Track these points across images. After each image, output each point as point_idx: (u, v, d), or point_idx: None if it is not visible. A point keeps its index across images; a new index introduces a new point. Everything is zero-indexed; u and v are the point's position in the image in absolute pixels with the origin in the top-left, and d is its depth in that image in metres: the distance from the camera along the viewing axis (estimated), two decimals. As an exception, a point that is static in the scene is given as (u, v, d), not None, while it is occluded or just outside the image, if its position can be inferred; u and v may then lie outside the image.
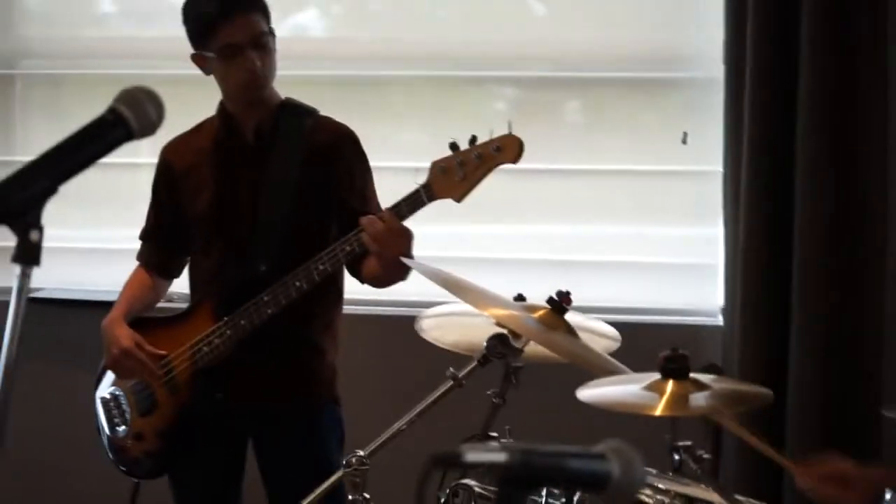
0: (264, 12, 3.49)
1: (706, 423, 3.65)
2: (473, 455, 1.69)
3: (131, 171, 4.59)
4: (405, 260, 3.21)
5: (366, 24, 4.74)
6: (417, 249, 3.48)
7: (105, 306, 3.73)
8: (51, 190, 1.79)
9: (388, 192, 3.38)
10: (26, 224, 1.76)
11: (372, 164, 3.66)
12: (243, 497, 3.75)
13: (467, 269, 4.29)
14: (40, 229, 1.76)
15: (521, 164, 3.19)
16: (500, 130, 3.16)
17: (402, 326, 3.49)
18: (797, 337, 4.04)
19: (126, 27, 4.94)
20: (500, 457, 1.69)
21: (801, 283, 4.03)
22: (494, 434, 3.14)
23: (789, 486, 3.79)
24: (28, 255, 1.76)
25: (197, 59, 3.52)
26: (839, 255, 4.04)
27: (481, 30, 4.60)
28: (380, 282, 3.48)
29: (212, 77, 3.53)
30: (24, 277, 1.77)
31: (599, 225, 4.55)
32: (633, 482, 1.75)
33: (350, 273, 3.56)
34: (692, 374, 2.68)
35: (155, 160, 3.78)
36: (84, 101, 4.63)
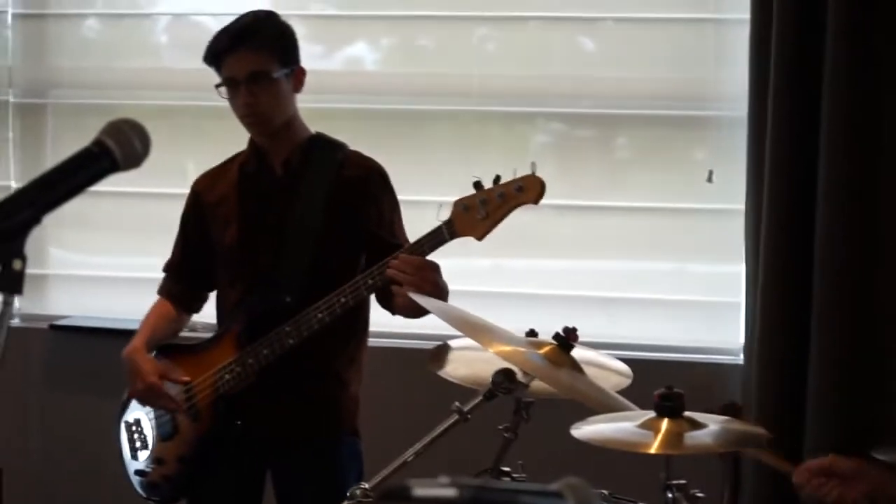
0: (273, 50, 3.53)
1: (722, 459, 3.66)
2: (422, 490, 1.69)
3: (156, 200, 4.66)
4: (411, 294, 3.23)
5: (414, 59, 4.78)
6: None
7: (128, 335, 3.77)
8: (35, 220, 1.81)
9: (427, 225, 3.39)
10: (9, 253, 1.77)
11: (414, 197, 3.74)
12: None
13: (492, 303, 4.38)
14: (23, 259, 1.78)
15: (544, 201, 3.20)
16: (524, 170, 3.18)
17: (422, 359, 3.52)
18: (815, 377, 4.03)
19: (164, 59, 5.01)
20: (449, 492, 1.69)
21: (820, 322, 4.02)
22: (507, 469, 3.16)
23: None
24: (10, 283, 1.77)
25: (219, 88, 3.57)
26: (857, 297, 4.02)
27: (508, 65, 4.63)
28: (410, 313, 3.48)
29: None
30: (6, 306, 1.79)
31: (622, 261, 4.58)
32: (588, 520, 1.75)
33: (381, 305, 3.58)
34: (687, 413, 2.69)
35: (179, 190, 3.86)
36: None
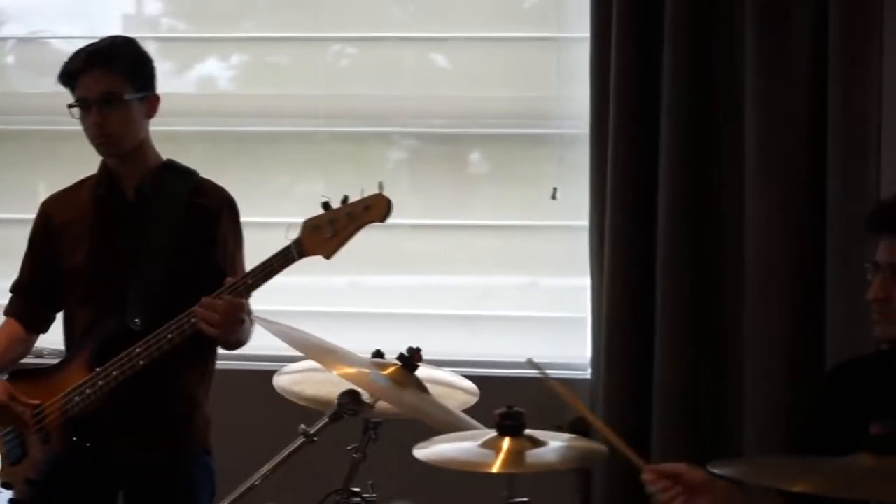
0: (128, 74, 3.51)
1: (575, 474, 3.70)
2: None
3: (5, 225, 4.59)
4: (256, 319, 3.25)
5: (266, 78, 4.75)
6: (284, 303, 3.53)
7: None
8: None
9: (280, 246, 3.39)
10: None
11: (269, 219, 3.74)
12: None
13: (347, 323, 4.37)
14: None
15: (397, 219, 3.24)
16: (372, 189, 3.21)
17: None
18: (659, 390, 4.08)
19: (13, 82, 4.93)
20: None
21: (662, 336, 4.07)
22: (356, 489, 3.15)
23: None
24: None
25: (71, 109, 3.54)
26: (699, 311, 4.08)
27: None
28: (226, 346, 3.53)
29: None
30: None
31: (473, 277, 4.58)
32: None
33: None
34: (528, 431, 2.69)
35: (29, 215, 3.79)
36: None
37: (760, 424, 4.00)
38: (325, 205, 3.27)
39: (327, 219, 3.26)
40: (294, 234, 3.29)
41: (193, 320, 3.36)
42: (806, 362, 4.00)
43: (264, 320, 3.23)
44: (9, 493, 3.71)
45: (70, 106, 3.52)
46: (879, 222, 3.15)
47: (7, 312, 3.78)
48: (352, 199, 3.25)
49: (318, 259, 3.29)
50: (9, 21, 4.83)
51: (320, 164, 4.70)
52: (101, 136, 3.50)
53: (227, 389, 3.80)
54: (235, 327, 3.36)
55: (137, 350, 3.41)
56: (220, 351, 3.66)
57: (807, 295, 4.03)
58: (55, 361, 3.71)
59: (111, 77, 3.49)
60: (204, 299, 3.35)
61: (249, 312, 3.41)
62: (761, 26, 3.99)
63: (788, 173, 4.01)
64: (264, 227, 3.69)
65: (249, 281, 3.36)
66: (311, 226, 3.28)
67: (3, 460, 3.66)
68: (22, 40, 4.84)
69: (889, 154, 3.99)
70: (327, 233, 3.25)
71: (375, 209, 3.23)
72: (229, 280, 3.35)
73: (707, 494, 3.07)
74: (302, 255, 3.29)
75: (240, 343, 3.50)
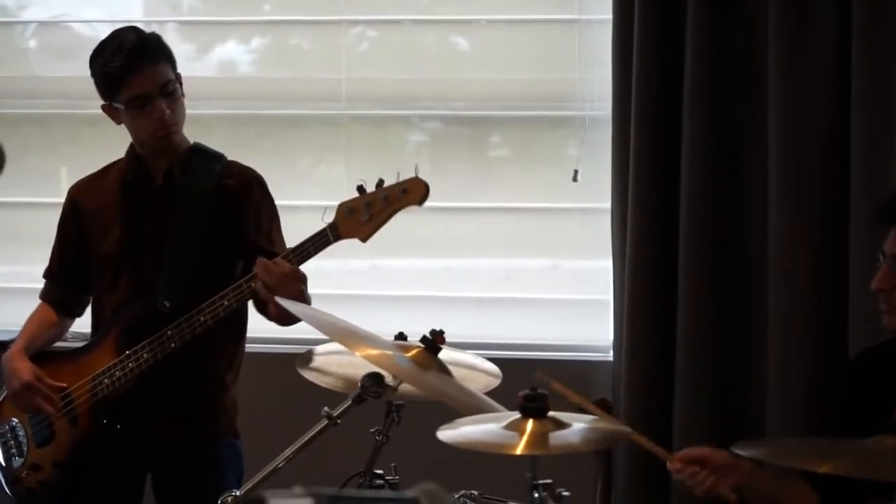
0: (170, 60, 3.56)
1: (596, 455, 3.70)
2: (277, 501, 1.71)
3: (33, 210, 4.60)
4: (278, 299, 3.26)
5: (287, 62, 4.75)
6: (313, 286, 3.55)
7: (3, 345, 3.77)
8: None
9: (308, 225, 3.43)
10: None
11: (291, 202, 3.77)
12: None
13: (369, 305, 4.37)
14: None
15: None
16: (408, 172, 3.24)
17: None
18: (681, 371, 4.08)
19: (34, 66, 4.92)
20: (304, 502, 1.71)
21: (685, 318, 4.07)
22: (379, 472, 3.16)
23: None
24: None
25: (107, 109, 3.59)
26: (721, 293, 4.08)
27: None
28: (283, 321, 3.52)
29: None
30: None
31: (495, 260, 4.59)
32: (444, 525, 1.77)
33: (257, 310, 3.58)
34: (551, 413, 2.69)
35: (54, 199, 3.85)
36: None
37: (783, 409, 4.00)
38: (360, 188, 3.30)
39: (363, 202, 3.30)
40: (330, 218, 3.32)
41: (227, 303, 3.41)
42: (828, 350, 3.99)
43: (288, 302, 3.23)
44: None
45: (114, 108, 3.54)
46: (885, 213, 3.17)
47: (42, 296, 3.83)
48: (387, 183, 3.28)
49: (347, 241, 3.33)
50: (31, 5, 4.84)
51: (341, 147, 4.69)
52: (166, 128, 3.54)
53: (252, 372, 3.82)
54: (293, 294, 3.34)
55: (169, 332, 3.46)
56: (258, 335, 3.67)
57: (830, 284, 4.01)
58: (79, 345, 3.75)
59: (162, 67, 3.52)
60: (261, 259, 3.36)
61: (306, 281, 3.42)
62: (785, 8, 3.97)
63: (812, 158, 4.00)
64: (286, 210, 3.75)
65: (288, 261, 3.39)
66: (346, 209, 3.32)
67: (30, 443, 3.69)
68: (43, 24, 4.84)
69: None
70: (364, 216, 3.30)
71: (413, 192, 3.27)
72: (287, 251, 3.40)
73: (734, 473, 3.10)
74: (338, 238, 3.34)
75: (294, 319, 3.46)
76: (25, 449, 3.70)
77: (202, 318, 3.43)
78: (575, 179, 4.37)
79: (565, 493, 2.61)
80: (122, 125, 3.62)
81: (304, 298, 3.41)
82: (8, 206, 4.66)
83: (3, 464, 3.75)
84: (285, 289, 3.33)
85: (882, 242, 3.15)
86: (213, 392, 3.67)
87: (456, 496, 2.82)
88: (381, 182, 3.29)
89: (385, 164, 3.39)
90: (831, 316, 4.01)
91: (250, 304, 3.55)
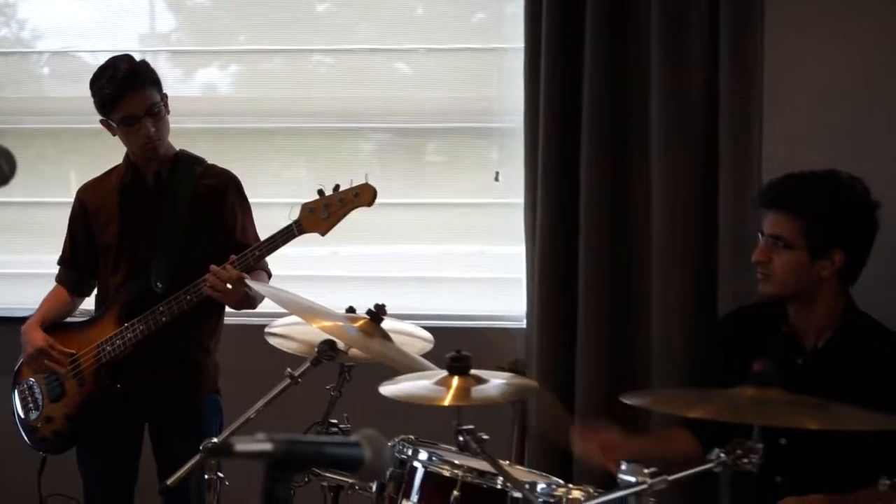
0: (156, 84, 3.54)
1: (513, 405, 3.70)
2: (243, 446, 1.68)
3: (45, 208, 4.55)
4: (250, 282, 3.28)
5: (260, 83, 4.70)
6: (275, 269, 3.52)
7: (18, 321, 3.75)
8: None
9: (277, 220, 3.45)
10: None
11: (262, 200, 3.78)
12: (139, 472, 3.73)
13: (329, 285, 4.36)
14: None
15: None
16: (359, 179, 3.32)
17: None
18: (581, 337, 4.08)
19: (46, 89, 4.85)
20: (265, 446, 1.68)
21: (585, 292, 4.07)
22: (334, 421, 3.15)
23: (577, 463, 3.85)
24: None
25: (104, 124, 3.58)
26: (614, 273, 4.08)
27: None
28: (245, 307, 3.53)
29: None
30: None
31: (426, 246, 4.56)
32: (381, 463, 1.75)
33: None
34: (474, 371, 2.67)
35: (63, 199, 3.88)
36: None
37: (664, 366, 4.00)
38: (320, 192, 3.34)
39: (322, 203, 3.33)
40: (295, 215, 3.36)
41: (205, 286, 3.39)
42: (701, 317, 3.99)
43: (258, 284, 3.23)
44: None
45: (111, 124, 3.54)
46: (766, 200, 3.19)
47: (57, 279, 3.83)
48: (343, 188, 3.32)
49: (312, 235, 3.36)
50: (43, 37, 4.77)
51: (304, 154, 4.68)
52: (151, 143, 3.52)
53: (230, 340, 3.81)
54: (237, 295, 3.37)
55: (161, 308, 3.46)
56: (228, 308, 3.65)
57: (702, 263, 4.02)
58: (80, 320, 3.77)
59: (148, 92, 3.50)
60: (212, 267, 3.35)
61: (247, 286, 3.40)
62: (665, 40, 3.97)
63: (687, 159, 4.01)
64: (257, 206, 3.75)
65: (257, 252, 3.42)
66: (308, 209, 3.35)
67: (45, 399, 3.68)
68: (54, 54, 4.77)
69: (769, 149, 3.98)
70: (322, 214, 3.33)
71: (364, 195, 3.32)
72: (232, 258, 3.37)
73: (619, 453, 3.08)
74: (301, 232, 3.37)
75: (245, 306, 3.49)
76: (41, 404, 3.69)
77: (188, 297, 3.43)
78: (496, 179, 4.38)
79: (485, 437, 2.59)
80: (117, 137, 3.60)
81: (247, 302, 3.44)
82: (23, 205, 4.61)
83: (22, 416, 3.74)
84: (229, 295, 3.37)
85: (761, 224, 3.17)
86: (198, 357, 3.67)
87: (396, 440, 2.79)
88: (337, 186, 3.33)
89: (341, 168, 3.47)
90: (703, 289, 4.01)
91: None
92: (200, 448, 2.86)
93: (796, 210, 3.12)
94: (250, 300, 3.46)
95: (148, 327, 3.49)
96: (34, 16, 4.76)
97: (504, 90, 4.31)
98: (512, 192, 4.26)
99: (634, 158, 4.07)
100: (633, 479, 2.24)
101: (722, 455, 2.24)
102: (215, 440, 2.95)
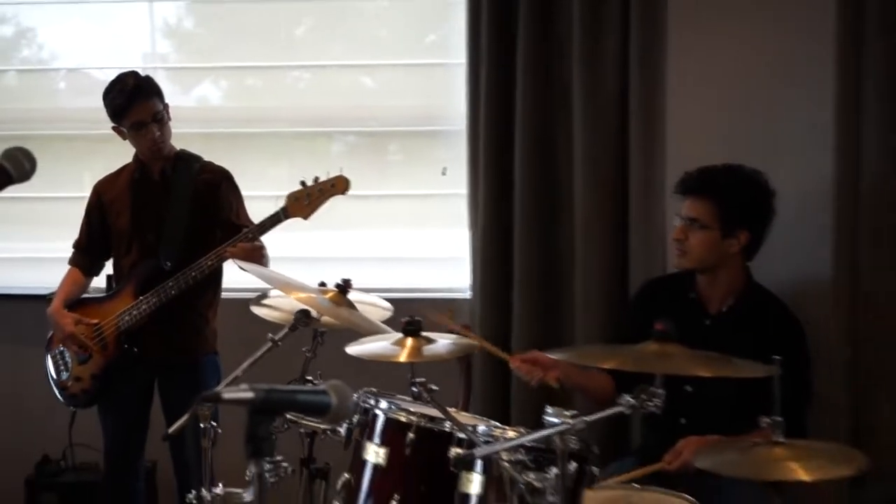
0: (159, 95, 3.56)
1: (459, 363, 3.71)
2: (229, 394, 1.70)
3: (60, 202, 4.52)
4: (235, 262, 3.28)
5: (246, 96, 4.69)
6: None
7: (40, 298, 3.78)
8: None
9: (262, 211, 3.49)
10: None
11: (250, 193, 3.78)
12: (150, 419, 3.75)
13: (297, 265, 4.33)
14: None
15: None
16: (335, 171, 3.41)
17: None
18: (516, 304, 4.09)
19: (62, 100, 4.76)
20: (248, 394, 1.70)
21: (518, 269, 4.08)
22: (309, 377, 3.15)
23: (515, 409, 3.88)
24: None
25: (116, 130, 3.59)
26: (544, 252, 4.08)
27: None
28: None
29: None
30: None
31: (387, 230, 4.55)
32: (346, 408, 1.78)
33: None
34: (424, 333, 2.69)
35: (77, 194, 3.93)
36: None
37: (586, 326, 4.02)
38: (302, 183, 3.40)
39: (305, 192, 3.39)
40: (281, 203, 3.41)
41: (210, 262, 3.45)
42: (615, 285, 4.01)
43: (245, 263, 3.22)
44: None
45: (123, 130, 3.55)
46: (685, 188, 3.24)
47: (71, 262, 3.82)
48: (322, 179, 3.38)
49: (296, 220, 3.42)
50: (59, 57, 4.73)
51: (285, 155, 4.65)
52: (157, 145, 3.55)
53: (225, 310, 3.81)
54: (257, 259, 3.41)
55: (170, 283, 3.50)
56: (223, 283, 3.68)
57: (617, 239, 4.04)
58: (101, 295, 3.78)
59: (153, 102, 3.52)
60: (241, 244, 3.42)
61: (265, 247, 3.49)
62: (584, 49, 3.97)
63: (603, 155, 4.01)
64: (246, 198, 3.77)
65: (249, 235, 3.45)
66: (293, 197, 3.40)
67: (74, 362, 3.70)
68: (70, 70, 4.73)
69: (672, 140, 3.99)
70: (305, 201, 3.39)
71: (339, 185, 3.40)
72: (246, 231, 3.45)
73: (555, 369, 3.14)
74: (287, 217, 3.42)
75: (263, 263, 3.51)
76: (70, 366, 3.70)
77: (193, 274, 3.47)
78: (444, 174, 4.38)
79: (435, 388, 2.61)
80: (127, 141, 3.61)
81: (264, 261, 3.48)
82: (42, 199, 4.55)
83: (55, 377, 3.75)
84: (251, 258, 3.37)
85: (680, 208, 3.22)
86: (200, 324, 3.70)
87: (361, 392, 2.80)
88: (316, 178, 3.38)
89: (316, 167, 3.45)
90: (618, 262, 4.03)
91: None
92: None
93: (711, 196, 3.18)
94: (266, 260, 3.51)
95: (160, 299, 3.51)
96: (51, 39, 4.72)
97: (451, 99, 4.30)
98: (458, 184, 4.26)
99: (560, 154, 4.06)
100: (556, 420, 2.26)
101: (629, 399, 2.27)
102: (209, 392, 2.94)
